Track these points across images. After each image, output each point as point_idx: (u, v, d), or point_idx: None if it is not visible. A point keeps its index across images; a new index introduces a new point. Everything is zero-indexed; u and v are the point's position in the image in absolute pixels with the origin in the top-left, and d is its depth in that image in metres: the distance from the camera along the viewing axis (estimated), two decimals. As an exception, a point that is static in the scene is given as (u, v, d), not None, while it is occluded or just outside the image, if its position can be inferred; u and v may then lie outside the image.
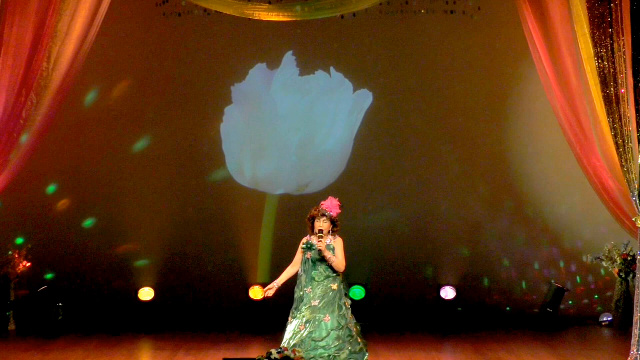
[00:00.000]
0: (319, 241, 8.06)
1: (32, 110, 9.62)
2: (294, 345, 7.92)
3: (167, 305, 12.33)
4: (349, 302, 8.27)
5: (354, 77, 12.43)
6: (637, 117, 8.91)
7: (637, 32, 8.87)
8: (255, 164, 12.56)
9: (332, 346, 7.93)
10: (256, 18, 10.16)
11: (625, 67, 8.96)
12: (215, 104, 12.45)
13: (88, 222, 12.45)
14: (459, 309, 12.06)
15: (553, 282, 12.18)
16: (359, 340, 8.16)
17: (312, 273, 8.13)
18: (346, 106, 12.48)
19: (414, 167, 12.50)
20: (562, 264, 12.51)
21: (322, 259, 8.10)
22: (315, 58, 12.41)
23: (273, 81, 12.46)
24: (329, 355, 7.89)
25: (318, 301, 8.04)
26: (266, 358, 7.89)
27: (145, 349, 10.90)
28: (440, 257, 12.46)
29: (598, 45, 9.04)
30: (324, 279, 8.11)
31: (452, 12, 12.05)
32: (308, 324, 7.99)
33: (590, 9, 9.08)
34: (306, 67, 12.41)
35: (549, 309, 11.77)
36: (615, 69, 8.99)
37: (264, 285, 12.19)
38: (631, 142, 8.94)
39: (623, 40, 8.94)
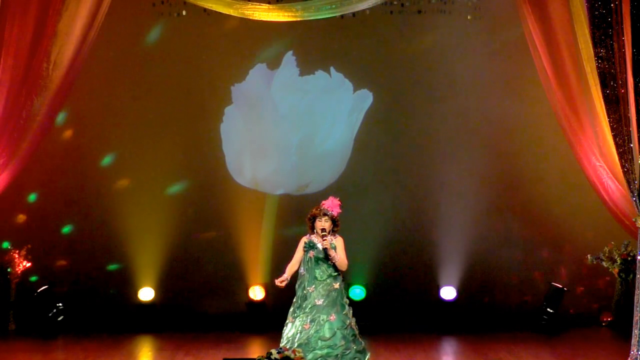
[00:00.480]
0: (324, 240, 8.07)
1: (32, 110, 9.63)
2: (300, 344, 7.93)
3: (167, 305, 12.33)
4: (348, 301, 8.30)
5: (354, 77, 12.43)
6: (637, 117, 8.92)
7: (637, 32, 8.87)
8: (255, 164, 12.55)
9: (339, 345, 7.97)
10: (256, 18, 10.15)
11: (625, 67, 8.96)
12: (215, 104, 12.44)
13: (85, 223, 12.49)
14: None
15: (553, 282, 12.18)
16: (360, 340, 8.20)
17: (315, 272, 8.15)
18: (346, 106, 12.48)
19: (414, 167, 12.49)
20: (562, 264, 12.50)
21: (324, 258, 8.11)
22: (315, 58, 12.41)
23: (273, 81, 12.45)
24: (337, 355, 7.92)
25: (322, 300, 8.06)
26: (266, 358, 7.89)
27: (145, 349, 10.91)
28: (440, 257, 12.45)
29: (598, 45, 9.04)
30: (327, 278, 8.13)
31: (451, 12, 12.07)
32: (313, 323, 8.00)
33: (590, 9, 9.08)
34: (306, 67, 12.40)
35: (549, 309, 11.76)
36: (615, 69, 8.99)
37: (264, 285, 12.26)
38: (631, 142, 8.94)
39: (623, 40, 8.94)
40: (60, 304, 11.71)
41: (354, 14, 11.45)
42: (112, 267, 12.47)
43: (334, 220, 8.20)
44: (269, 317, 11.69)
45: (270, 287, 12.26)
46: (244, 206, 12.50)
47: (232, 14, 10.28)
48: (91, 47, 10.01)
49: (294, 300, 8.26)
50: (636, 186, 8.96)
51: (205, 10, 11.14)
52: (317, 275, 8.14)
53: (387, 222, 12.46)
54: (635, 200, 9.01)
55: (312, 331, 7.97)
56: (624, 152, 8.98)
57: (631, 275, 11.30)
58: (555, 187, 12.37)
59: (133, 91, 12.35)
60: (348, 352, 7.99)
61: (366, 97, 12.44)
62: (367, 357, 8.19)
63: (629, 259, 11.33)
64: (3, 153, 9.40)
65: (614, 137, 9.05)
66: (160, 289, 12.35)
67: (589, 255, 11.81)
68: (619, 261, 11.53)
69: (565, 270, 12.50)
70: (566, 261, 12.49)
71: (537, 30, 9.81)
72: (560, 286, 11.97)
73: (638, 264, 9.08)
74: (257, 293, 12.25)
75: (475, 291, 12.43)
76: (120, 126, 12.38)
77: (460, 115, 12.43)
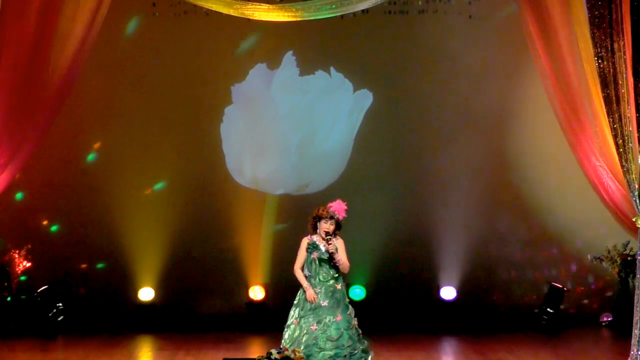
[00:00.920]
0: (330, 243, 8.08)
1: (32, 110, 9.62)
2: (307, 345, 7.92)
3: (167, 305, 12.33)
4: (349, 301, 8.31)
5: (354, 77, 12.43)
6: (637, 117, 8.92)
7: (637, 32, 8.87)
8: (255, 164, 12.55)
9: (347, 346, 7.98)
10: (256, 18, 10.14)
11: (625, 67, 8.95)
12: (215, 104, 12.45)
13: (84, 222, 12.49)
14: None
15: (552, 282, 12.18)
16: (363, 339, 8.22)
17: (319, 274, 8.15)
18: (346, 106, 12.48)
19: (414, 167, 12.50)
20: (562, 264, 12.51)
21: (327, 260, 8.12)
22: (315, 58, 12.41)
23: (273, 81, 12.46)
24: (345, 355, 7.94)
25: (327, 301, 8.07)
26: (266, 358, 7.89)
27: (145, 349, 10.91)
28: (441, 257, 12.46)
29: (598, 45, 9.03)
30: (330, 279, 8.15)
31: (451, 12, 12.07)
32: (320, 324, 8.01)
33: (590, 10, 9.07)
34: (306, 67, 12.41)
35: (548, 309, 11.76)
36: (615, 69, 8.98)
37: (264, 285, 12.27)
38: (631, 142, 8.94)
39: (623, 40, 8.94)
40: (60, 304, 11.70)
41: (354, 14, 11.44)
42: (112, 267, 12.47)
43: (338, 224, 8.21)
44: (269, 317, 11.69)
45: (270, 287, 12.28)
46: (244, 206, 12.50)
47: (232, 14, 10.27)
48: (91, 47, 10.01)
49: (295, 301, 8.24)
50: (636, 186, 8.96)
51: (205, 10, 11.14)
52: (321, 277, 8.15)
53: (387, 222, 12.46)
54: (635, 200, 9.01)
55: (319, 332, 7.98)
56: (624, 152, 8.98)
57: (631, 275, 11.31)
58: (555, 188, 12.38)
59: (133, 91, 12.35)
60: (355, 352, 8.02)
61: (366, 97, 12.45)
62: (371, 356, 8.22)
63: (629, 259, 11.33)
64: (3, 153, 9.39)
65: (614, 137, 9.04)
66: (160, 289, 12.35)
67: (589, 255, 11.83)
68: (619, 261, 11.53)
69: (565, 270, 12.50)
70: (566, 261, 12.50)
71: (537, 31, 9.80)
72: (560, 286, 11.97)
73: (638, 264, 9.07)
74: (257, 293, 12.25)
75: (475, 291, 12.43)
76: (121, 126, 12.38)
77: (460, 116, 12.43)
